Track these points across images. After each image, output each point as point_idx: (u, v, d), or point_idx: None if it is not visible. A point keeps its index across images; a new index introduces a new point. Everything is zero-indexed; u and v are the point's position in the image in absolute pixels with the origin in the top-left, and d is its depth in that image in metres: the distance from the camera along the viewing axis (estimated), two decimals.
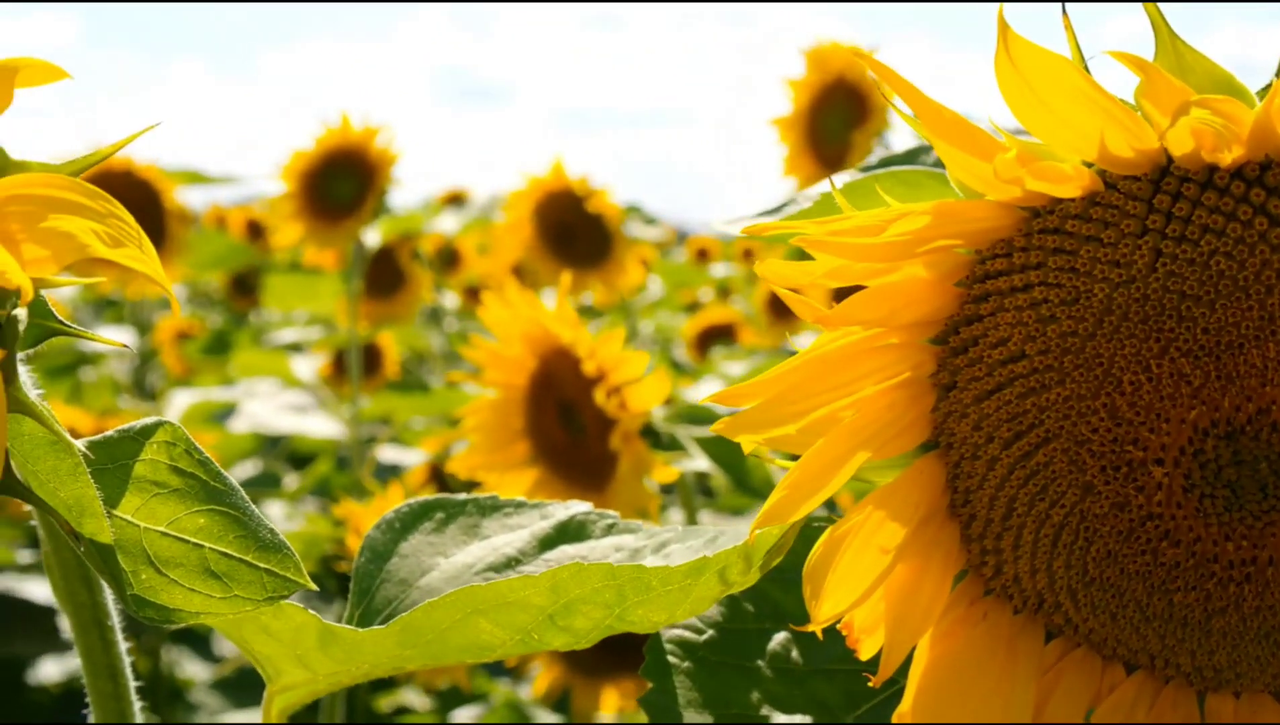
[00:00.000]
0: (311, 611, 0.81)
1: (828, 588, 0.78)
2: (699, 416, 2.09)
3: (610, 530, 0.98)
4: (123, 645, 0.88)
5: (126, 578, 0.75)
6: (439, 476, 3.68)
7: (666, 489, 2.28)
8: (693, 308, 6.97)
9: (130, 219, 0.67)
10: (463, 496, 1.05)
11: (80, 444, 0.73)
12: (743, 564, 0.81)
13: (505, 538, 1.01)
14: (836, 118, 3.30)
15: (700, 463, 2.04)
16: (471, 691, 2.70)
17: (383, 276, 4.12)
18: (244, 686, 3.01)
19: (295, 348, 4.18)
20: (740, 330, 5.84)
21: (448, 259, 5.54)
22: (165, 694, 2.94)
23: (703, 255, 8.67)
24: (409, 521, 1.02)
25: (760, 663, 0.94)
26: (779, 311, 6.56)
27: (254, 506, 0.79)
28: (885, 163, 1.08)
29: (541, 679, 2.53)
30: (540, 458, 2.13)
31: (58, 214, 0.65)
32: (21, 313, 0.70)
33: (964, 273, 0.76)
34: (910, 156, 1.10)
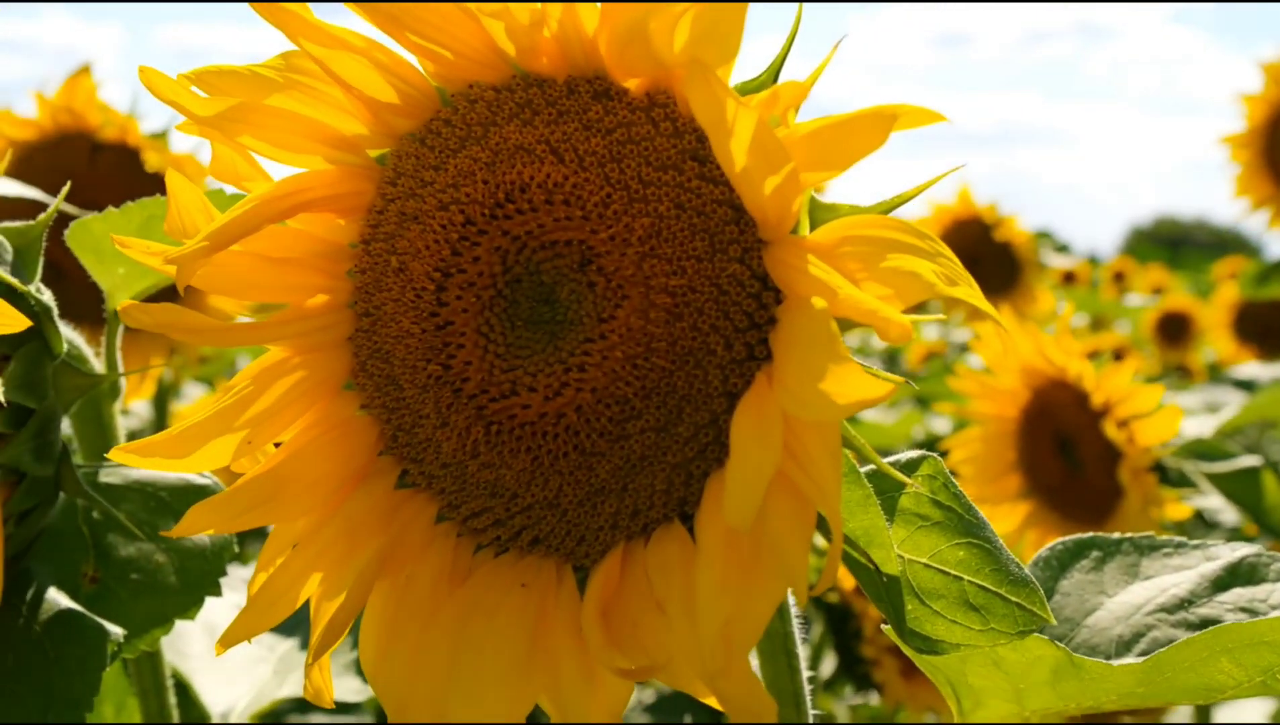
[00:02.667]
0: (1057, 643, 0.81)
1: None
2: (1207, 451, 2.01)
3: None
4: (805, 674, 0.90)
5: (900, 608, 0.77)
6: None
7: None
8: None
9: (952, 255, 0.69)
10: (1117, 535, 1.03)
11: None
12: None
13: (1171, 578, 0.99)
14: None
15: (1212, 499, 1.95)
16: None
17: None
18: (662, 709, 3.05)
19: None
20: (1127, 355, 5.62)
21: None
22: None
23: (1069, 278, 8.39)
24: (1065, 560, 1.01)
25: None
26: (1170, 336, 6.25)
27: (1000, 539, 0.80)
28: None
29: None
30: (1034, 492, 2.09)
31: (896, 253, 0.67)
32: None
33: None
34: None
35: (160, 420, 2.31)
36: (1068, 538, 1.03)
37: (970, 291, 0.67)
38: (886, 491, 0.78)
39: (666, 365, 0.71)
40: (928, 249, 0.68)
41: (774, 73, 0.74)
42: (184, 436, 0.78)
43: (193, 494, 1.01)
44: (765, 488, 0.63)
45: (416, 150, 0.77)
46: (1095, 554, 1.02)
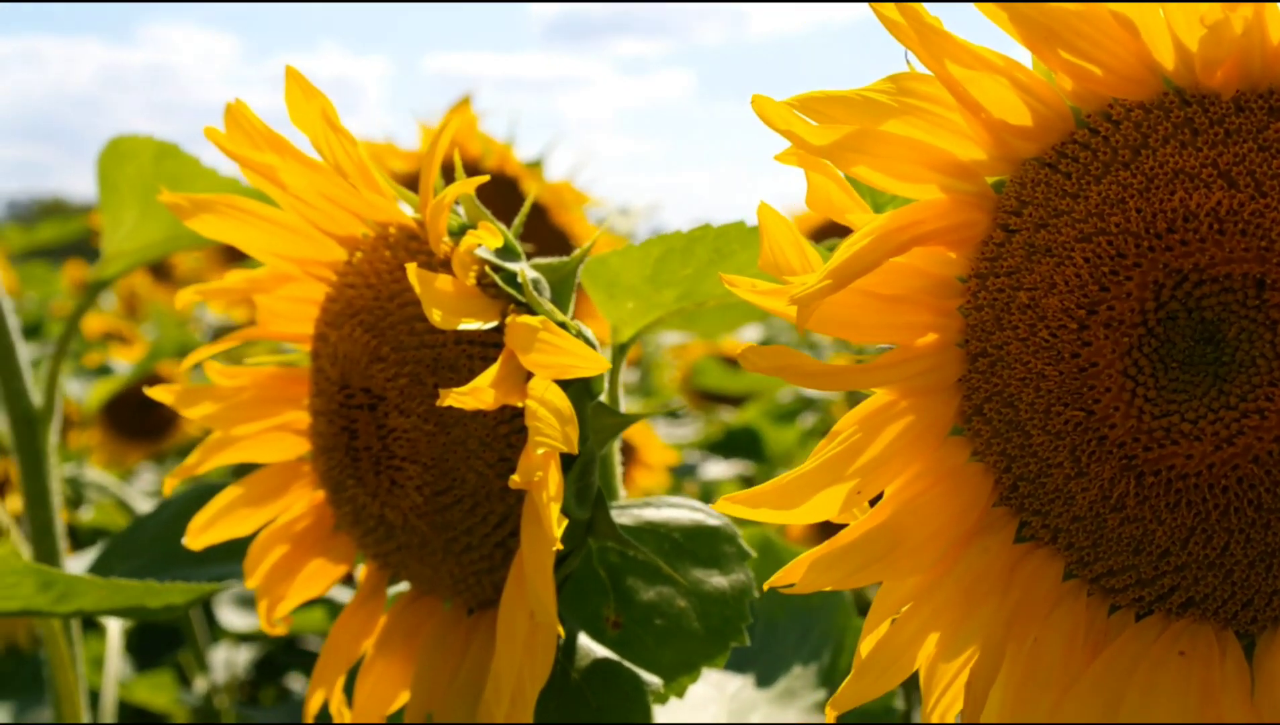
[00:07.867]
0: None
1: None
2: None
3: None
4: None
5: None
6: None
7: None
8: None
9: None
10: None
11: None
12: None
13: None
14: None
15: None
16: None
17: None
18: None
19: None
20: None
21: None
22: None
23: None
24: None
25: None
26: None
27: None
28: None
29: None
30: None
31: None
32: None
33: None
34: None
35: None
36: None
37: None
38: None
39: None
40: None
41: None
42: (792, 487, 0.74)
43: (705, 535, 0.97)
44: None
45: (1046, 176, 0.71)
46: None
